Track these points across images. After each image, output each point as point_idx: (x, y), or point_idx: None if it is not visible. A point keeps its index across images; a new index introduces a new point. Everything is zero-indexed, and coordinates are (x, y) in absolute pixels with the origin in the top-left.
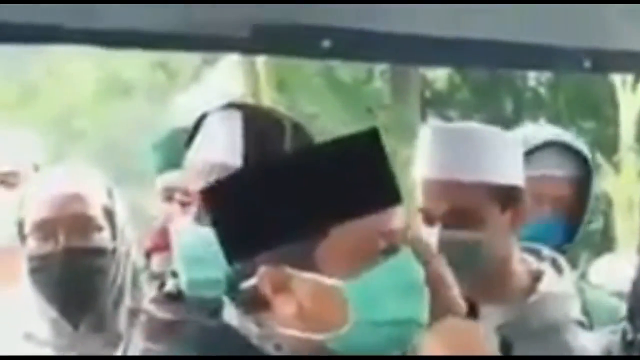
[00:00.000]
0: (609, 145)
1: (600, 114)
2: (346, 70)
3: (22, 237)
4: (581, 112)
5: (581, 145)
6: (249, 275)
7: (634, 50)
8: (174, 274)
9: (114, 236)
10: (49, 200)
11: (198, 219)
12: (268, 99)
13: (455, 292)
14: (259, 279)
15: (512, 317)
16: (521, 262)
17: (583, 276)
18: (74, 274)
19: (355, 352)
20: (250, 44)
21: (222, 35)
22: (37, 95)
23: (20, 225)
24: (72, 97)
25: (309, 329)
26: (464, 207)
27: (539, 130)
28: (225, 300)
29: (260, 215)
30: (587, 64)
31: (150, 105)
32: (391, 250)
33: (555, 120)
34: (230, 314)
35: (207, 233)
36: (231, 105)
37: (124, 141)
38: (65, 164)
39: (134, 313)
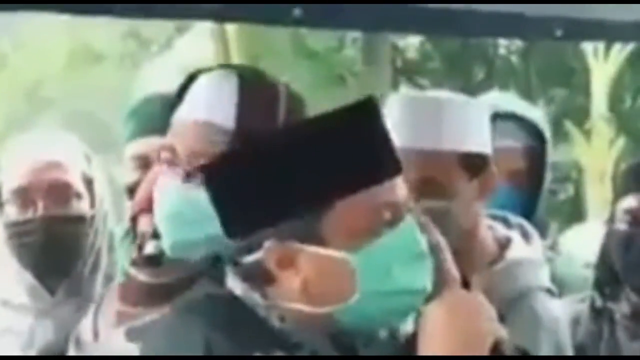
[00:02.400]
0: (580, 114)
1: (571, 82)
2: (317, 38)
3: (0, 204)
4: (552, 80)
5: (535, 115)
6: (251, 250)
7: (606, 18)
8: (155, 235)
9: (92, 204)
10: (27, 167)
11: (186, 179)
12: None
13: (451, 262)
14: (264, 254)
15: (480, 285)
16: (489, 230)
17: (553, 246)
18: (53, 241)
19: (362, 322)
20: (221, 12)
21: (194, 3)
22: (5, 65)
23: None
24: (43, 67)
25: (314, 303)
26: (431, 175)
27: (492, 102)
28: (228, 270)
29: (264, 190)
30: (558, 32)
31: (121, 74)
32: (395, 220)
33: (526, 88)
34: (235, 285)
35: (195, 194)
36: (226, 66)
37: (95, 110)
38: (43, 131)
39: (110, 278)
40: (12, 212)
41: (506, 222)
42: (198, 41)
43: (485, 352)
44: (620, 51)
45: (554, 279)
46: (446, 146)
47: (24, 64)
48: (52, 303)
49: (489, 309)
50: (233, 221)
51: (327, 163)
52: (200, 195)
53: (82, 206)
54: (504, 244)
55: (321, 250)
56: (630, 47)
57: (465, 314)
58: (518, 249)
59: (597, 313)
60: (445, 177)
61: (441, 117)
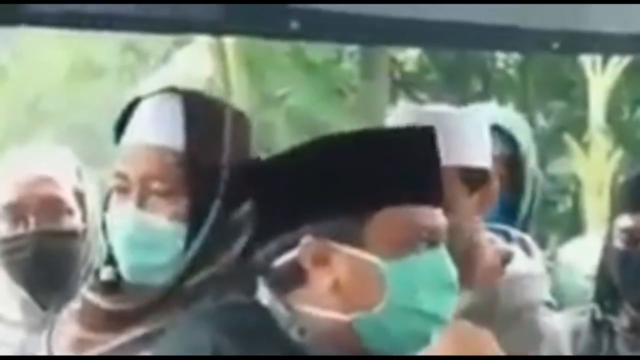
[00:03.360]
0: (578, 126)
1: (569, 95)
2: (316, 51)
3: None
4: (550, 93)
5: (512, 123)
6: (287, 248)
7: (603, 31)
8: (109, 261)
9: (84, 218)
10: (18, 183)
11: (141, 204)
12: (237, 80)
13: None
14: (301, 249)
15: (482, 299)
16: (490, 244)
17: (552, 257)
18: (45, 257)
19: (381, 337)
20: (219, 25)
21: (192, 17)
22: (5, 79)
23: None
24: (42, 80)
25: (341, 306)
26: None
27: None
28: (260, 280)
29: (312, 186)
30: (555, 45)
31: (121, 88)
32: (432, 244)
33: (523, 101)
34: (263, 293)
35: (151, 218)
36: (169, 90)
37: (94, 123)
38: (35, 146)
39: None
40: (2, 228)
41: (507, 236)
42: (196, 55)
43: None
44: (618, 64)
45: (553, 289)
46: (446, 161)
47: (24, 78)
48: (44, 318)
49: (495, 347)
50: (274, 216)
51: (380, 172)
52: (156, 220)
53: (73, 221)
54: (505, 258)
55: (358, 252)
56: (628, 59)
57: (473, 350)
58: (519, 263)
59: (597, 325)
60: (446, 191)
61: (441, 131)
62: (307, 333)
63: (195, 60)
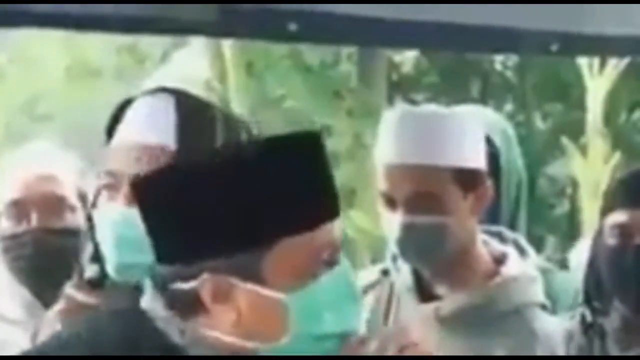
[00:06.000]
0: (575, 129)
1: (567, 97)
2: (313, 53)
3: None
4: (548, 95)
5: (486, 120)
6: (185, 278)
7: (601, 33)
8: (95, 259)
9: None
10: (21, 180)
11: (129, 203)
12: (235, 82)
13: None
14: (200, 285)
15: (476, 300)
16: (484, 245)
17: (549, 259)
18: (46, 253)
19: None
20: (217, 27)
21: (190, 18)
22: (3, 80)
23: None
24: (39, 81)
25: (244, 337)
26: (426, 191)
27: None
28: (152, 293)
29: (205, 219)
30: (554, 47)
31: (118, 89)
32: (332, 261)
33: (521, 103)
34: (153, 306)
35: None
36: (162, 90)
37: (93, 125)
38: (38, 144)
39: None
40: (6, 225)
41: (501, 238)
42: (194, 56)
43: None
44: (616, 66)
45: (548, 291)
46: (441, 161)
47: (21, 79)
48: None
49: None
50: (169, 247)
51: (272, 202)
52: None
53: (76, 219)
54: (499, 260)
55: (259, 289)
56: (626, 61)
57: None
58: (513, 265)
59: (588, 328)
60: (441, 192)
61: (437, 132)
62: (186, 334)
63: (193, 62)
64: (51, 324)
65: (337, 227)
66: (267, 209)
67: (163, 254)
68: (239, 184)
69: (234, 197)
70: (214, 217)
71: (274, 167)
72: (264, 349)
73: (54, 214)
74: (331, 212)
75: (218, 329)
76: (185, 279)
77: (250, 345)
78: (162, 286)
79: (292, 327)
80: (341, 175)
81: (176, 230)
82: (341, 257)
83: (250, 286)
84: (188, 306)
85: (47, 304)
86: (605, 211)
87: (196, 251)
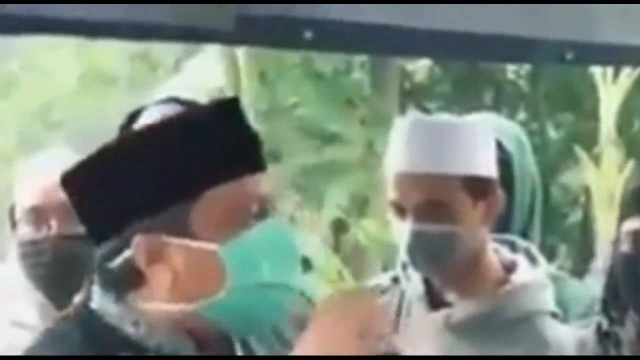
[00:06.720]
0: (589, 138)
1: (580, 106)
2: (326, 62)
3: (13, 223)
4: (561, 104)
5: (500, 128)
6: (120, 250)
7: (615, 43)
8: None
9: None
10: (40, 187)
11: None
12: (248, 89)
13: None
14: (133, 249)
15: (486, 308)
16: (495, 253)
17: (561, 268)
18: (65, 261)
19: (230, 317)
20: (232, 35)
21: (204, 26)
22: (16, 88)
23: (12, 211)
24: (52, 89)
25: (182, 299)
26: (436, 199)
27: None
28: (99, 291)
29: (129, 185)
30: (569, 56)
31: (131, 96)
32: (262, 214)
33: (534, 112)
34: (97, 298)
35: None
36: (172, 100)
37: (105, 133)
38: (56, 152)
39: None
40: (25, 231)
41: (512, 246)
42: (208, 63)
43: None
44: (629, 75)
45: (560, 300)
46: (451, 170)
47: (34, 87)
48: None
49: (375, 323)
50: (98, 223)
51: (193, 156)
52: None
53: None
54: (510, 268)
55: (190, 242)
56: (639, 71)
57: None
58: (524, 273)
59: (604, 337)
60: (451, 201)
61: (447, 141)
62: (140, 324)
63: (206, 69)
64: None
65: (263, 182)
66: (189, 163)
67: (97, 233)
68: (159, 144)
69: (155, 157)
70: (137, 179)
71: (193, 126)
72: (204, 305)
73: (72, 220)
74: (254, 165)
75: (156, 296)
76: (120, 250)
77: (191, 308)
78: (103, 270)
79: (229, 279)
80: (353, 184)
81: (103, 202)
82: (271, 211)
83: (181, 241)
84: (124, 280)
85: (62, 309)
86: (621, 219)
87: (125, 216)
